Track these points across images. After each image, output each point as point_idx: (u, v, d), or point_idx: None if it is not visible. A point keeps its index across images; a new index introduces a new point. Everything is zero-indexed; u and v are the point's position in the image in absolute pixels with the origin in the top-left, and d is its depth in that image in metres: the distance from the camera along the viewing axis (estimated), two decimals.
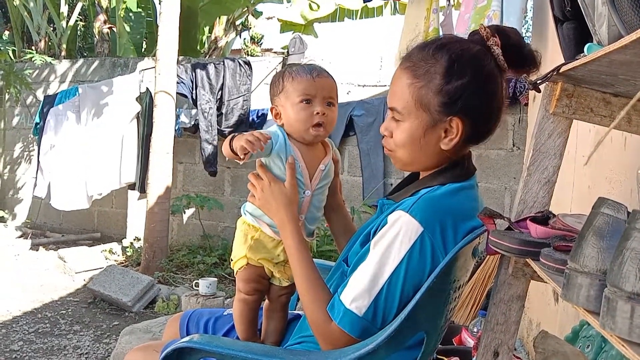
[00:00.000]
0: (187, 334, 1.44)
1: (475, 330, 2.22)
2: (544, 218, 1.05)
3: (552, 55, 2.44)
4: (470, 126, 1.12)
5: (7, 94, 6.15)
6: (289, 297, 1.39)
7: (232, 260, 1.34)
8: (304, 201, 1.28)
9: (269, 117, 5.26)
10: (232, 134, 1.26)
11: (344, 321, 1.09)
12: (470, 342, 2.20)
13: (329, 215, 1.40)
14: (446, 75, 1.10)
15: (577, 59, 0.97)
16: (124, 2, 7.40)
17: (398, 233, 1.07)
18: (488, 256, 2.86)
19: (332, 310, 1.11)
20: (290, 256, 1.22)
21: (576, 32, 1.14)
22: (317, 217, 1.35)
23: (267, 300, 1.39)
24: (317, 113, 1.24)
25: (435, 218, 1.08)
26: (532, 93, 3.56)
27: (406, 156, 1.17)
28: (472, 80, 1.10)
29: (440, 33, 3.12)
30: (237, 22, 7.28)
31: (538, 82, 1.11)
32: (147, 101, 5.27)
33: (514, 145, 4.58)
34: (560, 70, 1.04)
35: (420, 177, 1.22)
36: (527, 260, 1.04)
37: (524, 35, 3.21)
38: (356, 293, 1.08)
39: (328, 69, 1.33)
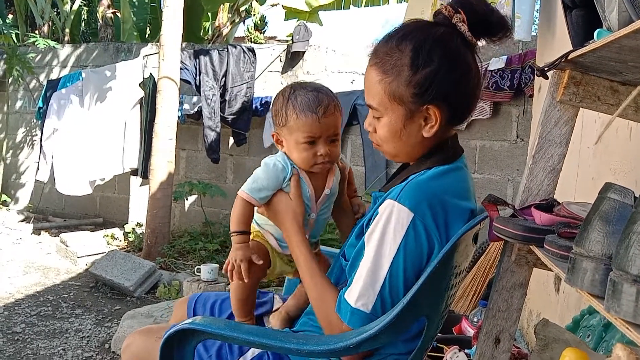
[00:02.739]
0: (195, 316, 1.45)
1: (475, 320, 2.22)
2: (548, 205, 1.05)
3: (559, 43, 2.43)
4: (449, 109, 1.12)
5: (10, 77, 6.13)
6: None
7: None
8: (308, 223, 1.29)
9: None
10: (232, 234, 1.26)
11: (352, 321, 1.09)
12: (470, 331, 2.20)
13: (336, 215, 1.40)
14: (413, 65, 1.09)
15: (586, 46, 0.96)
16: None
17: (389, 223, 1.07)
18: (490, 246, 2.86)
19: (340, 312, 1.11)
20: (297, 264, 1.23)
21: (585, 19, 1.12)
22: (321, 231, 1.37)
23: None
24: (321, 155, 1.23)
25: (423, 202, 1.08)
26: (537, 83, 3.54)
27: (392, 149, 1.18)
28: (440, 65, 1.09)
29: None
30: (241, 9, 7.23)
31: (546, 68, 1.11)
32: (150, 87, 5.26)
33: (517, 137, 4.57)
34: (569, 57, 1.03)
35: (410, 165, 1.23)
36: (530, 247, 1.04)
37: (534, 22, 3.17)
38: (360, 291, 1.08)
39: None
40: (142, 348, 1.34)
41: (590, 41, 0.96)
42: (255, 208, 1.30)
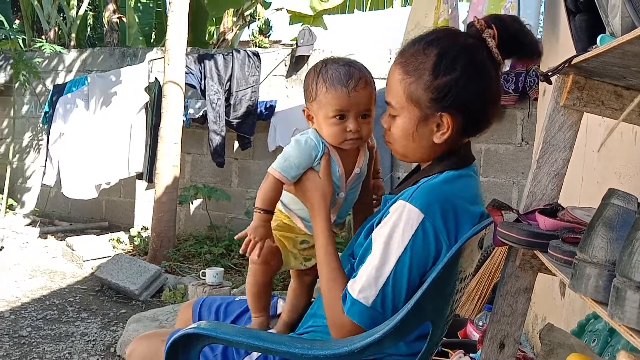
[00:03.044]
0: (200, 320, 1.46)
1: (480, 323, 2.21)
2: (552, 210, 1.05)
3: (563, 48, 2.42)
4: (463, 119, 1.13)
5: (17, 82, 6.17)
6: (313, 279, 1.40)
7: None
8: (336, 202, 1.28)
9: (277, 109, 5.27)
10: (254, 209, 1.23)
11: (352, 311, 1.10)
12: (475, 335, 2.20)
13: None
14: (434, 71, 1.10)
15: (589, 51, 0.96)
16: None
17: (400, 222, 1.08)
18: (494, 250, 2.85)
19: (344, 301, 1.12)
20: (316, 242, 1.22)
21: (588, 24, 1.13)
22: (348, 210, 1.35)
23: (292, 281, 1.41)
24: (350, 130, 1.21)
25: (435, 204, 1.09)
26: (541, 87, 3.54)
27: (401, 149, 1.19)
28: (461, 75, 1.10)
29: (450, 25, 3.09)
30: (246, 13, 7.26)
31: (549, 73, 1.11)
32: (155, 91, 5.29)
33: (522, 140, 4.56)
34: (572, 62, 1.03)
35: (421, 168, 1.23)
36: (535, 252, 1.04)
37: (539, 25, 3.17)
38: (363, 283, 1.09)
39: None
40: (147, 352, 1.35)
41: (594, 46, 0.96)
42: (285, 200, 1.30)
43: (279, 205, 1.31)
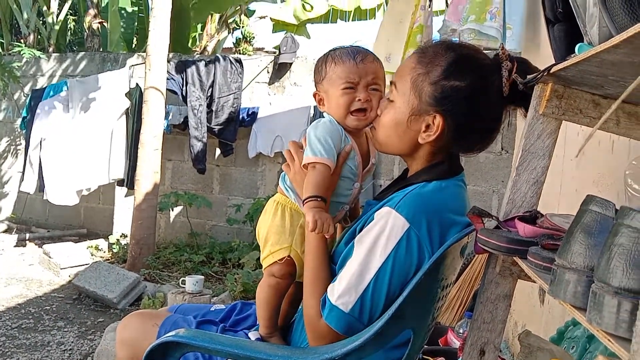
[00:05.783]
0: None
1: (461, 331, 2.22)
2: (532, 217, 1.06)
3: (543, 58, 2.46)
4: (452, 130, 1.14)
5: None
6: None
7: (267, 252, 1.26)
8: (353, 193, 1.27)
9: (259, 115, 5.26)
10: (311, 198, 1.15)
11: (330, 317, 1.10)
12: (456, 343, 2.20)
13: None
14: (446, 70, 1.12)
15: (568, 59, 0.98)
16: None
17: (384, 229, 1.08)
18: (475, 258, 2.87)
19: (323, 306, 1.12)
20: (307, 244, 1.19)
21: (567, 33, 1.15)
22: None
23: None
24: (359, 100, 1.21)
25: (421, 214, 1.09)
26: None
27: (384, 137, 1.20)
28: (469, 86, 1.12)
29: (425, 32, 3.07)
30: (230, 21, 7.25)
31: (528, 82, 1.12)
32: (136, 97, 5.24)
33: (502, 149, 4.61)
34: (551, 71, 1.05)
35: (408, 175, 1.23)
36: (514, 258, 1.04)
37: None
38: (342, 289, 1.09)
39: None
40: (140, 332, 1.33)
41: (572, 55, 0.98)
42: (288, 183, 1.26)
43: (290, 196, 1.27)
